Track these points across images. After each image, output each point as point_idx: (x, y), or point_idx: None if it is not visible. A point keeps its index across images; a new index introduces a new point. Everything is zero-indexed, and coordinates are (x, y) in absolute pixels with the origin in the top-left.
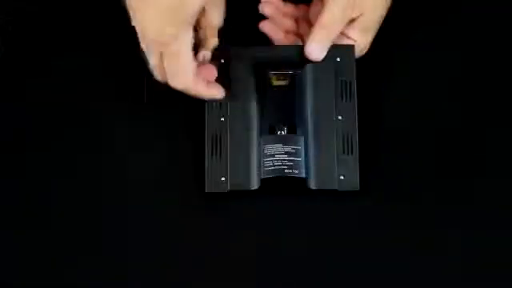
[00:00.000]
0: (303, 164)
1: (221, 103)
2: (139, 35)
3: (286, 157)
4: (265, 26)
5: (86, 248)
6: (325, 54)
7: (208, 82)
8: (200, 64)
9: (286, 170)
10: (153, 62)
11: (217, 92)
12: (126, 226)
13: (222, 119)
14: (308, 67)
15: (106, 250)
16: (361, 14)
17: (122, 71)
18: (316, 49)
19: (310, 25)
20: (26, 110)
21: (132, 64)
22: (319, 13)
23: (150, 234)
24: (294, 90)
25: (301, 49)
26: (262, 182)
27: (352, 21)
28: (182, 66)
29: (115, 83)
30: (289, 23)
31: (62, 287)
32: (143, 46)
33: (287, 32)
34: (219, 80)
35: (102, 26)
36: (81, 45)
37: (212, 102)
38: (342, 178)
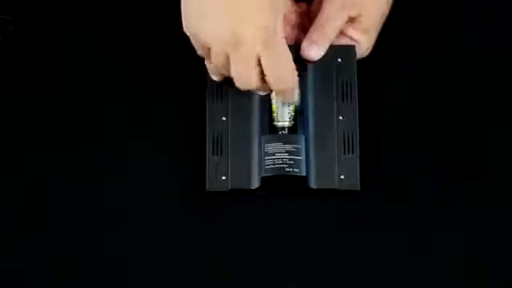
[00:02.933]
0: (304, 163)
1: (222, 102)
2: (210, 40)
3: (286, 155)
4: None
5: (86, 248)
6: (322, 53)
7: None
8: None
9: (286, 169)
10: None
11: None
12: (126, 226)
13: (224, 118)
14: (309, 67)
15: (105, 250)
16: (360, 14)
17: (123, 70)
18: (312, 48)
19: (312, 21)
20: (26, 109)
21: (133, 63)
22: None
23: (150, 234)
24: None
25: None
26: (263, 180)
27: (353, 21)
28: (286, 62)
29: (115, 83)
30: (294, 18)
31: (62, 287)
32: (212, 53)
33: (293, 27)
34: None
35: (102, 25)
36: (81, 45)
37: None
38: (342, 177)
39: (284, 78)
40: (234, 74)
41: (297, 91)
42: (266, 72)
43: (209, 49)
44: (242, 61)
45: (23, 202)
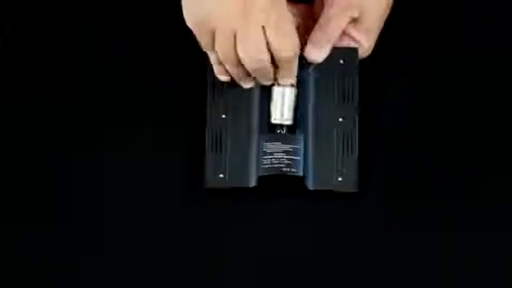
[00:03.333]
0: (301, 163)
1: (223, 100)
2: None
3: (284, 155)
4: None
5: (86, 248)
6: (324, 55)
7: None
8: None
9: (283, 169)
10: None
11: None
12: (126, 226)
13: (224, 116)
14: (311, 68)
15: (105, 250)
16: (362, 14)
17: (123, 70)
18: (313, 50)
19: (315, 22)
20: (25, 109)
21: (133, 63)
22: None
23: (149, 233)
24: (297, 90)
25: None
26: (261, 180)
27: (354, 21)
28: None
29: (115, 82)
30: (294, 20)
31: (62, 287)
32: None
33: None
34: None
35: (102, 25)
36: (81, 44)
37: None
38: (340, 179)
39: (289, 43)
40: (242, 53)
41: (296, 64)
42: (271, 40)
43: (213, 35)
44: (251, 32)
45: (23, 201)
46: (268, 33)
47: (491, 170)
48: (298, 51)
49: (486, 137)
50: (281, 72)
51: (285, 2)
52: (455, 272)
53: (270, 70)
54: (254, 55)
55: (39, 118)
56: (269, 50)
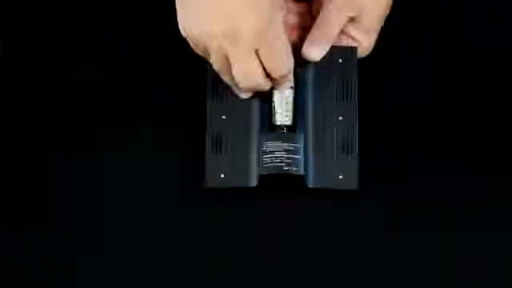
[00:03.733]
0: (302, 162)
1: (222, 101)
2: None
3: (284, 154)
4: None
5: (86, 248)
6: (323, 54)
7: None
8: None
9: (284, 167)
10: (221, 63)
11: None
12: (126, 226)
13: (224, 117)
14: (310, 67)
15: (105, 250)
16: (361, 14)
17: (123, 70)
18: (313, 48)
19: (314, 20)
20: (26, 109)
21: (133, 63)
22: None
23: (149, 233)
24: (296, 89)
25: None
26: (261, 179)
27: (353, 21)
28: (284, 51)
29: (115, 82)
30: (294, 18)
31: (62, 287)
32: (215, 49)
33: (293, 28)
34: None
35: (102, 25)
36: (81, 44)
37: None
38: (341, 177)
39: (283, 65)
40: (236, 73)
41: (291, 76)
42: (265, 63)
43: (208, 50)
44: (242, 55)
45: (23, 202)
46: (261, 55)
47: (491, 170)
48: (292, 66)
49: (486, 137)
50: (277, 83)
51: (279, 12)
52: (455, 272)
53: (266, 85)
54: (247, 77)
55: (39, 118)
56: (263, 67)
